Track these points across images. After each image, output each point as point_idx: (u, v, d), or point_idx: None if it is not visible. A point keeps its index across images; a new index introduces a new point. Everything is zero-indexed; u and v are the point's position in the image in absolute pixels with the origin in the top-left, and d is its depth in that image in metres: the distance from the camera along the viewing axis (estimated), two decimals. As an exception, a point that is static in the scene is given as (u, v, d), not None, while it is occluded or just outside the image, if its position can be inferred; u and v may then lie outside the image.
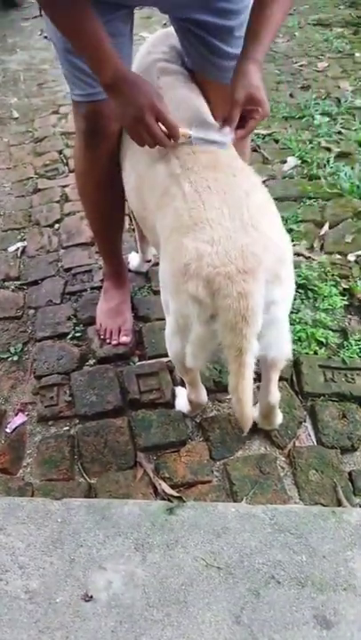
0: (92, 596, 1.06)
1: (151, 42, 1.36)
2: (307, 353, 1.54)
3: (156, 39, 1.36)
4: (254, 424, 1.38)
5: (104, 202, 1.51)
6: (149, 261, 1.85)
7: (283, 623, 1.01)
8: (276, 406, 1.32)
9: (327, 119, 2.64)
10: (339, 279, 1.77)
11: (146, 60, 1.30)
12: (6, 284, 1.92)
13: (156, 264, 1.86)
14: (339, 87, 2.96)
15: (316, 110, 2.70)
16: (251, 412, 1.02)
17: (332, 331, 1.61)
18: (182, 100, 1.21)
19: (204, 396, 1.35)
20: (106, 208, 1.53)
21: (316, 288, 1.72)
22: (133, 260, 1.87)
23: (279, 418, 1.36)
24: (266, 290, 0.94)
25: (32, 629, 1.02)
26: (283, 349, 1.12)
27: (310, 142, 2.46)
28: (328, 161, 2.33)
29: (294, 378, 1.50)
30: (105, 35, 1.04)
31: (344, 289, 1.74)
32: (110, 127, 1.29)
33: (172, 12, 1.24)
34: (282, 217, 1.02)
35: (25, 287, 1.90)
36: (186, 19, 1.21)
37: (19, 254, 2.05)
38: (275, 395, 1.28)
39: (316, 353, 1.55)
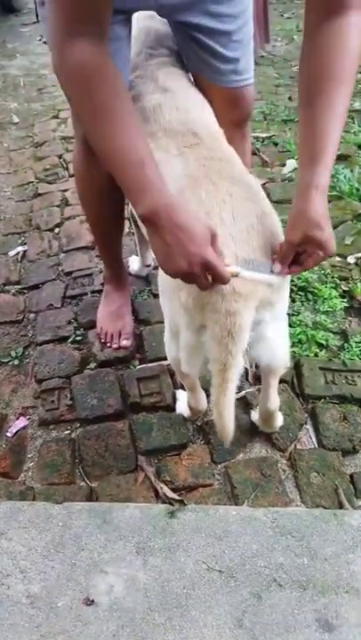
0: (93, 600, 1.05)
1: (144, 40, 1.32)
2: (307, 355, 1.54)
3: (151, 38, 1.33)
4: (255, 427, 1.38)
5: (104, 206, 1.51)
6: (149, 266, 1.86)
7: (285, 626, 1.01)
8: (276, 411, 1.32)
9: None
10: (339, 281, 1.77)
11: (148, 62, 1.28)
12: (7, 288, 1.92)
13: (157, 267, 1.87)
14: (338, 90, 2.96)
15: (315, 113, 2.70)
16: (231, 427, 1.00)
17: (333, 333, 1.61)
18: (194, 106, 1.21)
19: (203, 401, 1.35)
20: (106, 212, 1.54)
21: (316, 290, 1.72)
22: (133, 263, 1.88)
23: (280, 421, 1.36)
24: (256, 312, 0.93)
25: (33, 634, 1.02)
26: (278, 358, 1.11)
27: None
28: (327, 163, 2.33)
29: (295, 380, 1.50)
30: (146, 150, 0.87)
31: (344, 291, 1.74)
32: None
33: (170, 16, 1.24)
34: (281, 220, 1.01)
35: (25, 291, 1.90)
36: (184, 22, 1.21)
37: (19, 258, 2.05)
38: (274, 401, 1.28)
39: (316, 355, 1.55)
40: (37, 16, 1.26)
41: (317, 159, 0.89)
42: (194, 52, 1.26)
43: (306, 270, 0.95)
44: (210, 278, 0.87)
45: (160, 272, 1.08)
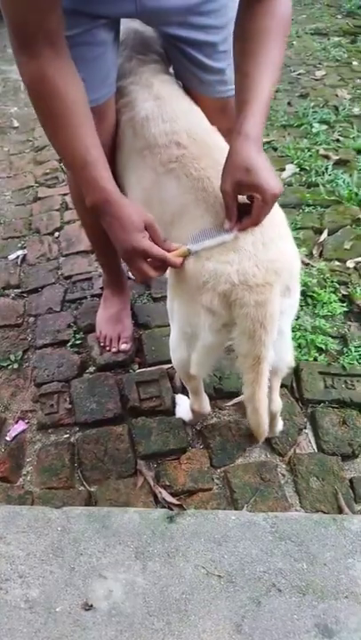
0: (92, 605, 1.05)
1: (132, 45, 1.31)
2: (307, 359, 1.54)
3: (139, 42, 1.33)
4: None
5: None
6: None
7: (284, 632, 1.00)
8: (278, 414, 1.32)
9: (325, 127, 2.66)
10: (338, 286, 1.77)
11: (141, 68, 1.28)
12: (6, 291, 1.92)
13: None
14: (336, 95, 2.98)
15: (315, 118, 2.72)
16: (267, 422, 1.03)
17: (332, 337, 1.61)
18: (183, 113, 1.20)
19: (207, 405, 1.35)
20: None
21: (315, 295, 1.73)
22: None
23: (280, 425, 1.36)
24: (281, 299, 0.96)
25: (32, 639, 1.01)
26: (286, 358, 1.13)
27: (309, 150, 2.48)
28: (326, 168, 2.34)
29: (294, 384, 1.50)
30: (94, 151, 0.97)
31: (343, 295, 1.75)
32: (102, 135, 1.29)
33: (154, 26, 1.25)
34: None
35: (25, 295, 1.90)
36: (168, 34, 1.21)
37: (19, 262, 2.05)
38: (277, 402, 1.28)
39: (315, 359, 1.55)
40: None
41: (244, 108, 0.93)
42: (181, 63, 1.26)
43: (257, 222, 0.93)
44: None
45: (170, 280, 1.08)
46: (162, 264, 0.98)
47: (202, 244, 0.95)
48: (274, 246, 0.94)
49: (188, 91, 1.30)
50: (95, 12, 1.07)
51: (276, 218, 1.00)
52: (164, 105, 1.15)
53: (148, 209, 1.17)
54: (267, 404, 1.01)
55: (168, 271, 1.05)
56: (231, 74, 1.28)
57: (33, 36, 0.91)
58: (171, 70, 1.32)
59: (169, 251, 0.98)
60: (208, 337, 1.01)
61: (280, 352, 1.08)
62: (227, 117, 1.32)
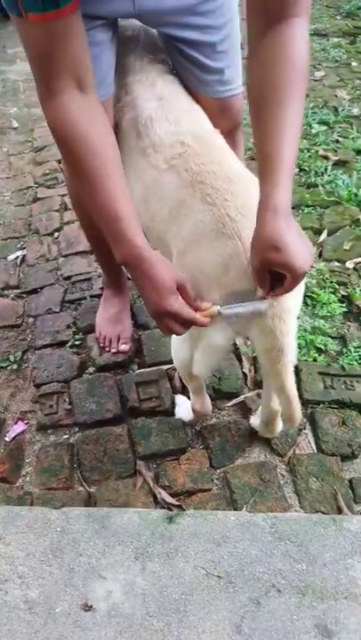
0: (91, 606, 1.05)
1: (144, 41, 1.30)
2: (306, 360, 1.54)
3: (149, 40, 1.32)
4: (254, 432, 1.38)
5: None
6: None
7: (283, 632, 1.00)
8: (279, 413, 1.32)
9: (325, 128, 2.66)
10: (337, 286, 1.77)
11: (149, 67, 1.27)
12: (6, 292, 1.92)
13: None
14: (336, 96, 2.98)
15: (314, 119, 2.72)
16: (300, 408, 1.07)
17: (331, 338, 1.61)
18: (186, 114, 1.21)
19: (208, 405, 1.35)
20: None
21: (314, 295, 1.73)
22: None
23: (280, 426, 1.36)
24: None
25: (31, 640, 1.01)
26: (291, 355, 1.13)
27: (308, 151, 2.48)
28: (326, 169, 2.34)
29: (294, 385, 1.50)
30: (121, 205, 0.93)
31: (343, 296, 1.75)
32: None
33: (152, 26, 1.25)
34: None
35: (24, 295, 1.90)
36: (167, 34, 1.21)
37: (18, 263, 2.05)
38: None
39: (315, 360, 1.55)
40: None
41: (270, 180, 0.84)
42: (179, 62, 1.26)
43: (288, 292, 0.89)
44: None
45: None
46: (190, 323, 0.97)
47: (233, 309, 0.95)
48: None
49: (188, 91, 1.30)
50: (94, 13, 1.07)
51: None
52: (167, 105, 1.16)
53: (147, 206, 1.18)
54: (296, 391, 1.05)
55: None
56: (230, 74, 1.28)
57: (57, 74, 0.88)
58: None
59: (198, 309, 0.97)
60: (217, 337, 1.02)
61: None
62: (226, 117, 1.32)
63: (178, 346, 1.15)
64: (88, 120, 0.92)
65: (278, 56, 0.86)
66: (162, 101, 1.16)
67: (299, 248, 0.83)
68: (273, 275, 0.88)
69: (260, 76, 0.89)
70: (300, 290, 1.03)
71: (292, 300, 0.97)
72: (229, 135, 1.32)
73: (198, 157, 1.05)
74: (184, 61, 1.25)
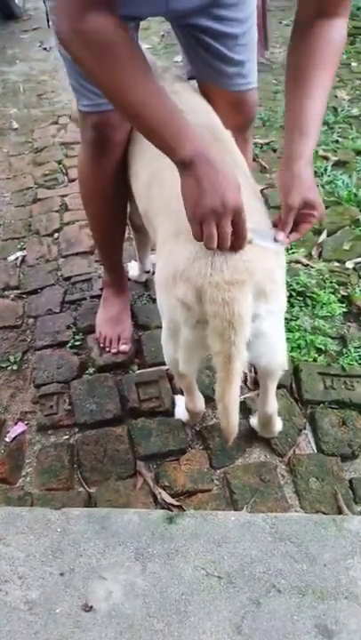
0: (91, 607, 1.05)
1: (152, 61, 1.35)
2: (306, 360, 1.55)
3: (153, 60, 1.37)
4: (254, 432, 1.38)
5: (107, 210, 1.52)
6: (148, 272, 1.86)
7: (284, 632, 1.00)
8: (275, 415, 1.32)
9: (324, 128, 2.66)
10: (337, 286, 1.77)
11: (163, 74, 1.30)
12: (6, 292, 1.92)
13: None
14: (336, 96, 2.98)
15: (314, 119, 2.72)
16: (236, 422, 1.01)
17: (331, 338, 1.61)
18: (197, 107, 1.21)
19: (201, 404, 1.35)
20: (108, 216, 1.54)
21: (314, 295, 1.73)
22: (133, 269, 1.88)
23: (279, 425, 1.36)
24: (253, 301, 0.94)
25: (32, 640, 1.01)
26: (275, 360, 1.11)
27: (308, 151, 2.48)
28: (326, 169, 2.34)
29: (294, 385, 1.50)
30: (173, 102, 0.91)
31: (343, 296, 1.75)
32: (118, 137, 1.30)
33: (178, 20, 1.26)
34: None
35: (24, 296, 1.90)
36: (191, 25, 1.22)
37: (18, 263, 2.05)
38: (272, 404, 1.28)
39: (315, 360, 1.55)
40: (48, 22, 1.25)
41: (306, 132, 0.99)
42: (200, 55, 1.28)
43: (302, 236, 1.02)
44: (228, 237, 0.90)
45: (156, 271, 1.08)
46: (236, 238, 0.91)
47: (263, 243, 0.97)
48: (252, 248, 0.94)
49: (207, 86, 1.31)
50: (126, 14, 1.08)
51: (259, 218, 1.00)
52: (180, 98, 1.17)
53: (149, 191, 1.17)
54: (237, 404, 0.99)
55: (156, 259, 1.06)
56: (249, 67, 1.30)
57: None
58: (181, 57, 1.35)
59: None
60: (186, 332, 1.01)
61: (268, 354, 1.07)
62: (241, 112, 1.34)
63: (165, 343, 1.15)
64: (123, 28, 0.91)
65: (321, 38, 1.02)
66: (175, 95, 1.17)
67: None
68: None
69: (303, 52, 1.02)
70: (270, 307, 0.99)
71: (245, 305, 0.92)
72: (241, 131, 1.34)
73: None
74: (205, 53, 1.26)
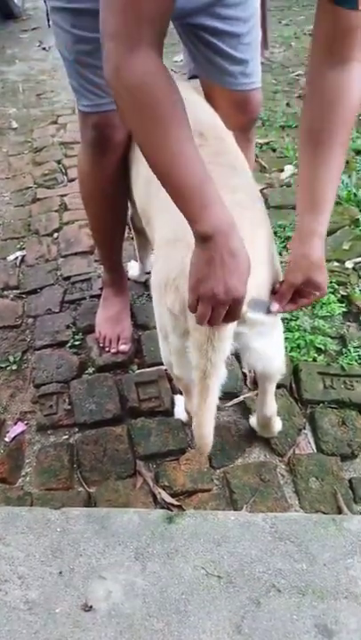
0: (91, 606, 1.05)
1: None
2: (306, 360, 1.55)
3: None
4: (254, 432, 1.38)
5: (107, 210, 1.52)
6: (149, 272, 1.86)
7: (284, 632, 1.00)
8: (274, 417, 1.32)
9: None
10: (337, 286, 1.77)
11: None
12: (5, 292, 1.92)
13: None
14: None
15: (313, 119, 2.72)
16: (210, 437, 0.99)
17: (331, 338, 1.61)
18: (200, 107, 1.21)
19: None
20: (108, 216, 1.54)
21: (314, 295, 1.73)
22: (132, 269, 1.88)
23: (278, 425, 1.36)
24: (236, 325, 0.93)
25: (31, 640, 1.01)
26: (271, 366, 1.11)
27: (307, 151, 2.48)
28: (325, 169, 2.34)
29: (293, 385, 1.50)
30: (205, 169, 0.83)
31: (342, 296, 1.75)
32: (118, 137, 1.30)
33: (180, 20, 1.26)
34: (280, 225, 1.02)
35: (24, 296, 1.90)
36: (194, 24, 1.22)
37: (18, 263, 2.05)
38: (270, 407, 1.28)
39: (314, 360, 1.55)
40: (48, 21, 1.25)
41: (319, 208, 0.94)
42: (203, 54, 1.27)
43: (298, 308, 1.03)
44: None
45: (152, 277, 1.07)
46: (230, 316, 0.88)
47: (257, 315, 0.95)
48: (261, 263, 0.93)
49: (210, 86, 1.31)
50: None
51: (258, 241, 0.96)
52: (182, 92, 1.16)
53: (148, 190, 1.16)
54: (212, 418, 0.97)
55: (153, 262, 1.05)
56: (253, 66, 1.30)
57: (150, 25, 0.80)
58: (181, 57, 1.34)
59: None
60: (174, 340, 1.00)
61: (263, 362, 1.07)
62: (245, 111, 1.33)
63: (160, 345, 1.14)
64: (168, 75, 0.83)
65: (336, 97, 0.92)
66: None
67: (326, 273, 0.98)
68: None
69: (317, 109, 0.95)
70: (259, 329, 0.99)
71: (227, 330, 0.91)
72: (244, 131, 1.33)
73: (213, 157, 1.01)
74: (209, 52, 1.26)
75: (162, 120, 0.81)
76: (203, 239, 0.83)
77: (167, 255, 0.98)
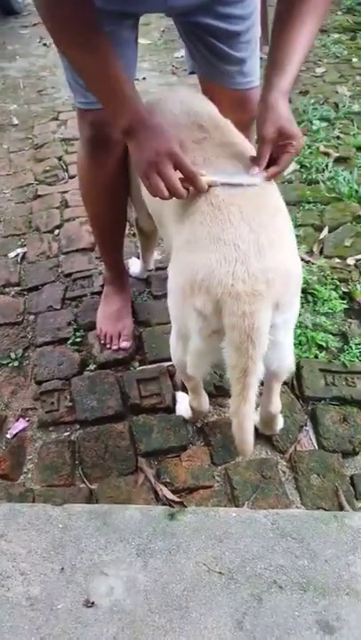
0: (93, 602, 1.05)
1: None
2: (307, 357, 1.54)
3: None
4: (255, 429, 1.38)
5: (107, 206, 1.51)
6: (151, 270, 1.86)
7: (285, 628, 1.00)
8: (277, 415, 1.32)
9: (325, 124, 2.65)
10: (338, 283, 1.77)
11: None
12: (6, 289, 1.92)
13: (157, 269, 1.87)
14: (337, 92, 2.98)
15: (315, 115, 2.71)
16: (252, 439, 0.99)
17: (333, 334, 1.61)
18: (198, 100, 1.20)
19: (205, 404, 1.34)
20: (108, 212, 1.54)
21: (315, 292, 1.72)
22: (134, 265, 1.88)
23: (280, 423, 1.36)
24: (273, 313, 0.92)
25: (33, 636, 1.01)
26: (284, 364, 1.10)
27: (309, 147, 2.47)
28: (327, 165, 2.34)
29: (295, 382, 1.50)
30: (121, 71, 0.96)
31: (344, 293, 1.74)
32: (116, 134, 1.28)
33: (178, 17, 1.25)
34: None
35: (25, 293, 1.90)
36: (192, 22, 1.21)
37: (19, 260, 2.05)
38: (276, 405, 1.28)
39: (316, 357, 1.55)
40: None
41: (285, 67, 0.99)
42: (201, 53, 1.27)
43: (282, 170, 1.01)
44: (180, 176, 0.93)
45: (170, 276, 1.05)
46: (188, 182, 0.94)
47: (230, 178, 0.95)
48: (270, 253, 0.90)
49: (208, 84, 1.30)
50: (126, 11, 1.08)
51: (279, 222, 0.96)
52: (177, 91, 1.16)
53: None
54: (252, 420, 0.97)
55: (170, 263, 1.03)
56: (251, 65, 1.29)
57: None
58: (182, 53, 1.33)
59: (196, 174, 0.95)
60: (198, 341, 0.99)
61: (279, 359, 1.05)
62: (243, 110, 1.33)
63: (174, 345, 1.13)
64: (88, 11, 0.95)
65: None
66: (172, 92, 1.16)
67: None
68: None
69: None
70: (287, 315, 0.98)
71: (265, 318, 0.90)
72: (244, 129, 1.33)
73: (218, 149, 1.03)
74: (206, 52, 1.25)
75: (76, 41, 0.96)
76: (126, 132, 0.96)
77: (188, 257, 0.96)
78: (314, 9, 1.01)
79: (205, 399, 1.34)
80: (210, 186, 0.95)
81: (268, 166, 0.99)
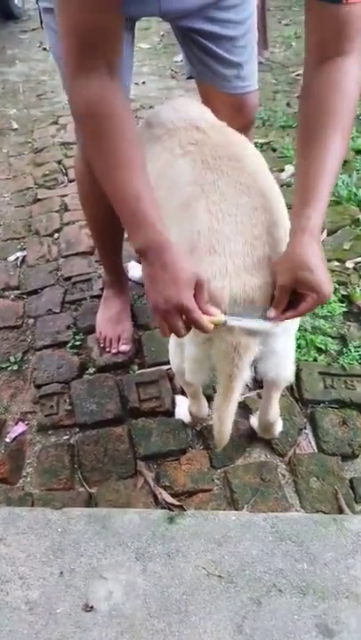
0: (92, 607, 1.05)
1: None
2: (306, 360, 1.54)
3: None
4: (254, 432, 1.38)
5: (105, 210, 1.50)
6: None
7: (285, 632, 1.00)
8: (276, 421, 1.32)
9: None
10: (337, 286, 1.77)
11: None
12: (6, 293, 1.92)
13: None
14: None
15: (314, 119, 2.72)
16: (228, 433, 1.02)
17: (332, 337, 1.61)
18: (191, 107, 1.20)
19: (205, 409, 1.34)
20: (107, 216, 1.53)
21: (314, 295, 1.72)
22: (133, 269, 1.88)
23: (279, 427, 1.36)
24: None
25: (32, 640, 1.01)
26: (283, 374, 1.10)
27: (308, 150, 2.48)
28: (326, 169, 2.34)
29: (294, 385, 1.49)
30: (144, 190, 0.89)
31: (343, 296, 1.75)
32: None
33: (174, 22, 1.26)
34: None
35: (25, 296, 1.90)
36: (188, 27, 1.22)
37: (18, 263, 2.06)
38: (274, 413, 1.28)
39: (315, 360, 1.55)
40: (41, 23, 1.26)
41: (308, 203, 0.89)
42: (197, 57, 1.27)
43: (300, 315, 0.92)
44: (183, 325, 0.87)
45: None
46: (193, 326, 0.88)
47: (240, 321, 0.89)
48: (267, 273, 0.90)
49: (206, 88, 1.30)
50: (122, 14, 1.08)
51: (281, 233, 0.95)
52: (172, 101, 1.16)
53: (155, 192, 1.15)
54: (232, 417, 0.99)
55: None
56: (248, 70, 1.29)
57: (94, 50, 0.87)
58: (181, 57, 1.33)
59: (207, 314, 0.88)
60: (192, 349, 1.00)
61: (277, 368, 1.06)
62: (241, 114, 1.33)
63: (172, 351, 1.14)
64: (116, 100, 0.90)
65: (332, 89, 0.91)
66: (166, 99, 1.17)
67: (327, 274, 0.88)
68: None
69: (313, 104, 0.93)
70: (287, 325, 0.96)
71: (253, 344, 0.92)
72: (242, 133, 1.33)
73: (216, 149, 1.01)
74: (203, 55, 1.26)
75: (105, 142, 0.90)
76: (140, 254, 0.89)
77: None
78: (343, 114, 0.92)
79: (205, 405, 1.34)
80: (218, 325, 0.89)
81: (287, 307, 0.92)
